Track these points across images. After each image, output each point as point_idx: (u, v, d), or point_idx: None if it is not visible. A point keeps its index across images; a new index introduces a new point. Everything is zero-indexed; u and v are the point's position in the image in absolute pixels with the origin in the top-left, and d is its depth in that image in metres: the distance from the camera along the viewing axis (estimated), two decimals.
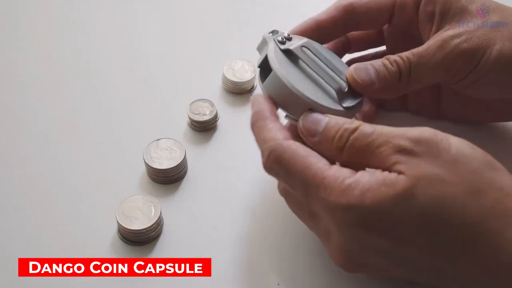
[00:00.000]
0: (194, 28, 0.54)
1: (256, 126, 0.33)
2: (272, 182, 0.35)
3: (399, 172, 0.28)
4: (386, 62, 0.36)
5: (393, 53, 0.37)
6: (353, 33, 0.43)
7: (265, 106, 0.34)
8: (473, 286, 0.29)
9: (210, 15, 0.56)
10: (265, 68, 0.36)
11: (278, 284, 0.36)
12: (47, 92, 0.48)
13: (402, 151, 0.29)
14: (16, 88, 0.48)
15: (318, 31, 0.39)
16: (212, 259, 0.37)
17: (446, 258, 0.28)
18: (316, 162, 0.30)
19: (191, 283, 0.36)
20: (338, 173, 0.29)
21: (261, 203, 0.40)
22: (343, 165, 0.31)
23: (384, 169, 0.29)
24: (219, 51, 0.52)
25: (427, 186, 0.28)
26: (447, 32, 0.37)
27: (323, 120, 0.32)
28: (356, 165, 0.30)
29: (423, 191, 0.27)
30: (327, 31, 0.39)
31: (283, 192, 0.35)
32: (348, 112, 0.34)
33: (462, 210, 0.27)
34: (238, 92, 0.48)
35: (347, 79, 0.36)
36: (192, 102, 0.45)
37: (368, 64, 0.36)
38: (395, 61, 0.36)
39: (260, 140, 0.33)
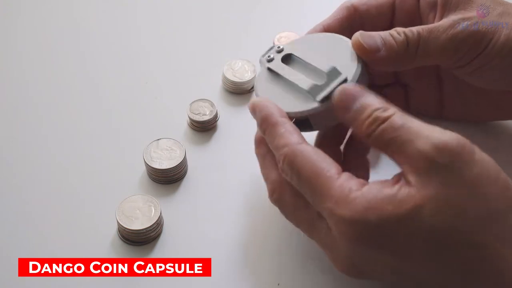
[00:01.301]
0: (194, 28, 0.54)
1: (267, 134, 0.33)
2: None
3: (411, 184, 0.28)
4: (393, 32, 0.36)
5: None
6: None
7: (271, 110, 0.33)
8: None
9: (210, 15, 0.56)
10: None
11: (278, 284, 0.36)
12: (47, 92, 0.48)
13: (422, 158, 0.28)
14: (16, 88, 0.48)
15: None
16: (212, 259, 0.37)
17: (453, 277, 0.28)
18: (326, 169, 0.30)
19: (191, 283, 0.36)
20: (345, 184, 0.29)
21: (261, 203, 0.40)
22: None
23: (399, 172, 0.29)
24: (219, 51, 0.52)
25: (437, 208, 0.27)
26: (456, 15, 0.36)
27: (359, 99, 0.31)
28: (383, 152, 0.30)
29: (432, 213, 0.27)
30: None
31: (276, 200, 0.34)
32: (324, 104, 0.34)
33: (470, 236, 0.27)
34: (238, 92, 0.48)
35: (352, 44, 0.35)
36: (192, 102, 0.45)
37: (374, 32, 0.36)
38: (404, 32, 0.36)
39: (274, 148, 0.32)
